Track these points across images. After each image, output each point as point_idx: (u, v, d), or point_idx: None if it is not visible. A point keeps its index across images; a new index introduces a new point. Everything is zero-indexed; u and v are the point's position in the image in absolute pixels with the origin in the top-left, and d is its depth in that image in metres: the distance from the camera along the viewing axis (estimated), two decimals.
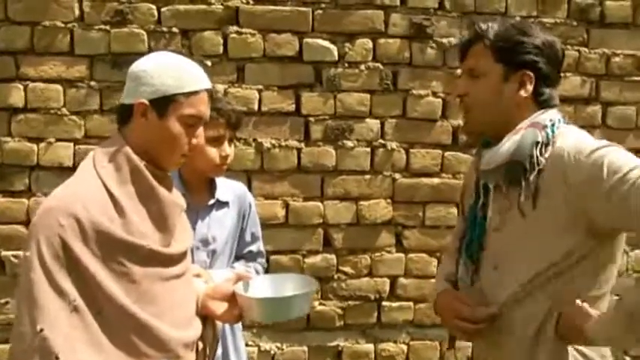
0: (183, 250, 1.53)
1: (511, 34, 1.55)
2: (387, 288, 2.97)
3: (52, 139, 2.74)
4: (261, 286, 1.63)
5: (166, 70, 1.44)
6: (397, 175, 2.94)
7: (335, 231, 2.92)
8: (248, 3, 2.81)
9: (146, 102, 1.43)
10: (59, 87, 2.74)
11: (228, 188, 2.14)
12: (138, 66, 1.47)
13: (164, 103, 1.43)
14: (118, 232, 1.37)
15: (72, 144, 2.75)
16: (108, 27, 2.74)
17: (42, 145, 2.74)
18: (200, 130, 1.49)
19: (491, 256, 1.58)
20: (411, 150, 2.94)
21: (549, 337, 1.48)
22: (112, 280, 1.35)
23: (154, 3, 2.76)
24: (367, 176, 2.92)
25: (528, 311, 1.50)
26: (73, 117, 2.76)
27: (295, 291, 1.58)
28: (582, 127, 2.93)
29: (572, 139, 1.49)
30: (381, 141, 2.92)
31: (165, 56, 1.50)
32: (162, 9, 2.77)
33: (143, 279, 1.40)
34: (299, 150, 2.88)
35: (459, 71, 2.91)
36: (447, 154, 2.96)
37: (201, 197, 2.06)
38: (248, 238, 2.19)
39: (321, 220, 2.91)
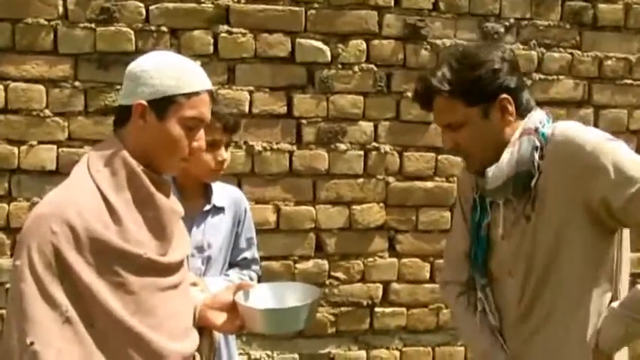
0: (180, 258, 1.48)
1: (465, 74, 1.52)
2: (380, 293, 2.96)
3: (34, 142, 2.67)
4: (263, 296, 1.58)
5: (166, 70, 1.38)
6: (390, 179, 2.93)
7: (327, 236, 2.90)
8: (239, 2, 2.76)
9: (145, 103, 1.37)
10: (42, 87, 2.67)
11: (223, 193, 2.10)
12: (137, 66, 1.41)
13: (164, 105, 1.37)
14: (114, 240, 1.32)
15: (55, 147, 2.69)
16: (93, 25, 2.67)
17: (23, 147, 2.67)
18: (201, 133, 1.44)
19: (502, 264, 1.60)
20: (405, 153, 2.93)
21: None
22: (107, 290, 1.31)
23: (142, 1, 2.70)
24: (360, 180, 2.90)
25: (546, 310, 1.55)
26: (56, 118, 2.68)
27: (298, 300, 1.53)
28: None
29: (570, 131, 1.51)
30: (374, 144, 2.90)
31: (166, 56, 1.45)
32: (151, 7, 2.71)
33: (140, 289, 1.35)
34: (291, 153, 2.85)
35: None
36: (440, 157, 2.96)
37: (196, 203, 2.01)
38: (243, 244, 2.15)
39: (313, 225, 2.88)
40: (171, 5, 2.71)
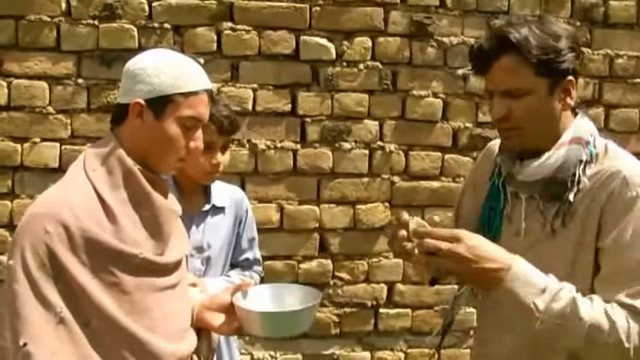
0: (178, 258, 1.47)
1: (547, 42, 1.42)
2: (385, 294, 2.94)
3: (37, 139, 2.67)
4: (261, 298, 1.55)
5: (165, 69, 1.37)
6: (396, 178, 2.90)
7: (331, 236, 2.88)
8: None
9: (142, 102, 1.36)
10: (44, 84, 2.67)
11: (224, 193, 2.07)
12: (135, 63, 1.40)
13: (161, 104, 1.36)
14: (109, 239, 1.31)
15: (58, 144, 2.69)
16: (96, 22, 2.67)
17: (26, 145, 2.67)
18: (199, 133, 1.43)
19: None
20: (410, 152, 2.90)
21: None
22: (102, 290, 1.29)
23: None
24: (365, 179, 2.88)
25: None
26: (59, 116, 2.68)
27: (297, 303, 1.50)
28: None
29: (624, 165, 1.42)
30: (379, 143, 2.88)
31: (164, 54, 1.43)
32: (154, 3, 2.70)
33: (135, 289, 1.34)
34: (295, 152, 2.83)
35: (460, 72, 2.87)
36: (447, 156, 2.93)
37: (196, 202, 2.00)
38: (244, 244, 2.13)
39: (317, 225, 2.86)
40: (174, 2, 2.69)
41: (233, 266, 2.12)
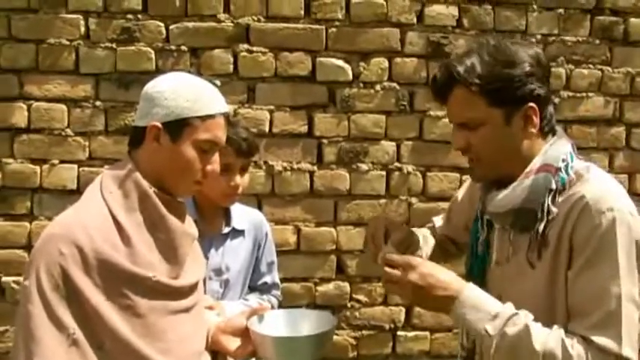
0: (193, 282, 1.46)
1: (497, 71, 1.37)
2: (403, 317, 2.90)
3: (56, 161, 2.69)
4: (277, 323, 1.54)
5: (182, 92, 1.37)
6: (413, 200, 2.87)
7: (348, 257, 2.85)
8: (259, 20, 2.74)
9: (159, 125, 1.36)
10: (63, 106, 2.69)
11: (244, 216, 2.07)
12: (153, 87, 1.40)
13: (178, 127, 1.36)
14: (123, 261, 1.31)
15: (76, 166, 2.70)
16: (114, 45, 2.69)
17: (45, 166, 2.69)
18: (216, 157, 1.43)
19: (493, 287, 1.48)
20: (428, 173, 2.87)
21: None
22: (115, 313, 1.29)
23: (162, 20, 2.71)
24: (382, 201, 2.85)
25: None
26: (78, 138, 2.70)
27: (313, 328, 1.48)
28: (605, 149, 2.95)
29: (589, 189, 1.35)
30: (396, 164, 2.85)
31: (181, 77, 1.43)
32: (171, 26, 2.71)
33: (149, 312, 1.33)
34: (311, 173, 2.81)
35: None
36: (464, 177, 2.87)
37: (215, 224, 1.99)
38: (263, 268, 2.12)
39: (334, 247, 2.83)
40: (191, 24, 2.71)
41: (251, 290, 2.11)
